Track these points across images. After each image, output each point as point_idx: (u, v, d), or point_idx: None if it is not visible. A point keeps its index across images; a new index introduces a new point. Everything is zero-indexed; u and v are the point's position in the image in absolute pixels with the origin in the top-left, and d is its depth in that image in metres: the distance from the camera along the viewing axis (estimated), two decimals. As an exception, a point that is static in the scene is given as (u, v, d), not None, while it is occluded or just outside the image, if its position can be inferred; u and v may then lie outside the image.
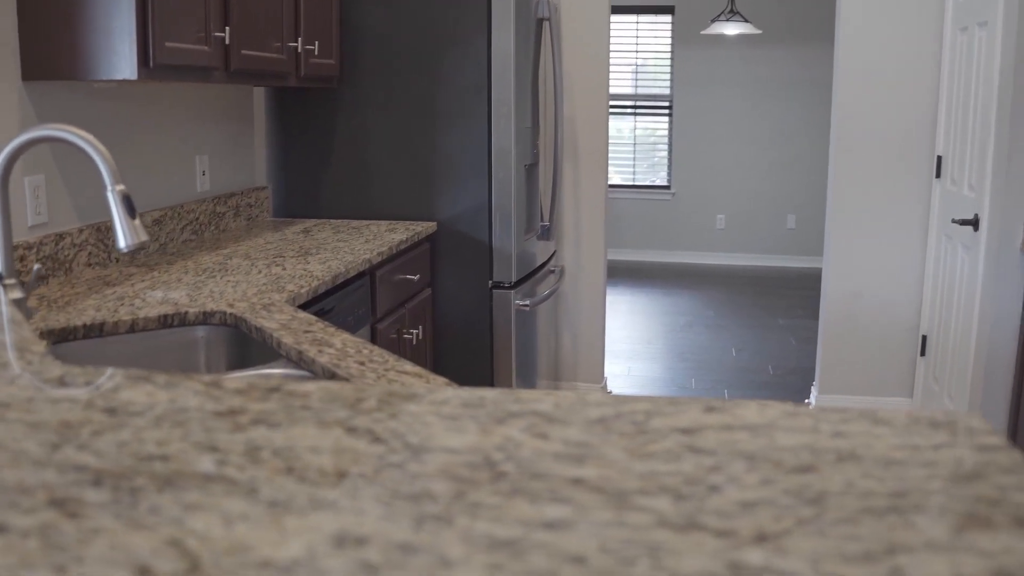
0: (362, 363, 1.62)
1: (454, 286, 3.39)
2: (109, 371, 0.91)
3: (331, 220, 3.40)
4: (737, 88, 7.67)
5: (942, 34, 3.61)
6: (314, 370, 1.67)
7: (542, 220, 3.72)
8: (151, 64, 2.15)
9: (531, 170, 3.55)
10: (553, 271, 3.95)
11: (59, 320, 1.89)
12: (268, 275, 2.37)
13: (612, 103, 8.01)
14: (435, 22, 3.29)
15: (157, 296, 2.12)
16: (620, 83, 7.99)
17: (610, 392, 4.37)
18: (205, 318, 2.01)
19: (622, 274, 7.41)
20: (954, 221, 3.28)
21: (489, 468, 0.69)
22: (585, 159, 4.01)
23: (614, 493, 0.65)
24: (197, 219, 2.96)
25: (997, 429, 3.08)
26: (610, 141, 8.02)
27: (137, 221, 1.42)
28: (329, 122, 3.42)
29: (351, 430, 0.76)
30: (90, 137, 1.41)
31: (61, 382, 0.89)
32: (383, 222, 3.35)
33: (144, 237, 1.42)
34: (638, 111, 8.01)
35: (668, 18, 7.80)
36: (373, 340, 2.79)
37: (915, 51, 3.67)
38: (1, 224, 1.44)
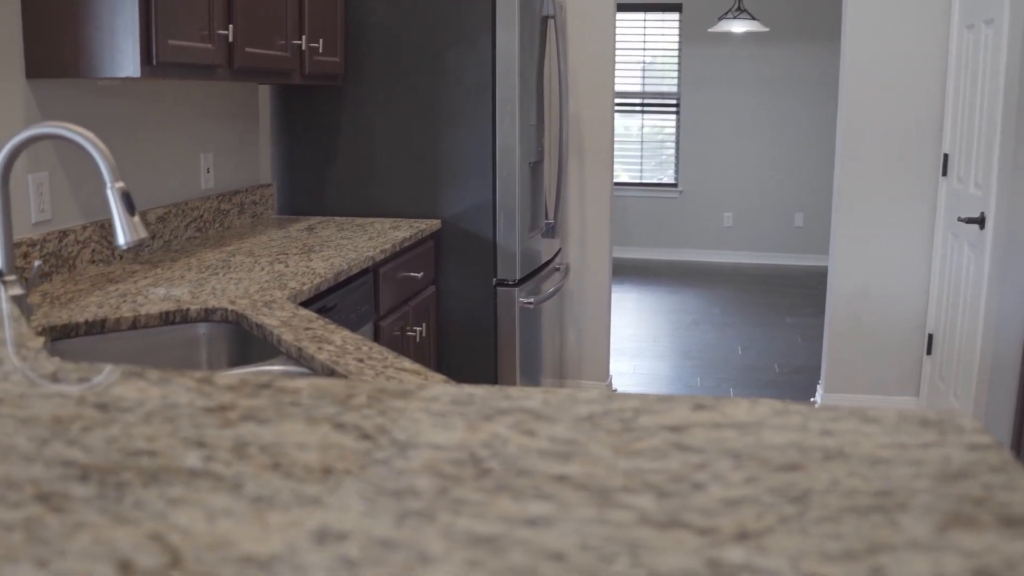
0: (361, 360, 1.63)
1: (458, 283, 3.39)
2: (102, 367, 0.91)
3: (335, 217, 3.40)
4: (744, 86, 7.65)
5: (948, 31, 3.60)
6: (313, 367, 1.67)
7: (547, 218, 3.72)
8: (154, 62, 2.16)
9: (536, 168, 3.55)
10: (558, 269, 3.95)
11: (61, 316, 1.90)
12: (271, 272, 2.38)
13: (620, 101, 8.00)
14: (440, 20, 3.29)
15: (159, 293, 2.13)
16: (628, 81, 7.98)
17: (615, 390, 4.37)
18: (207, 315, 2.02)
19: (629, 272, 7.40)
20: (960, 219, 3.27)
21: (474, 465, 0.69)
22: (591, 157, 4.01)
23: (598, 490, 0.65)
24: (201, 216, 2.97)
25: (1003, 427, 3.06)
26: (618, 139, 8.02)
27: (136, 218, 1.42)
28: (334, 120, 3.42)
29: (339, 426, 0.76)
30: (90, 134, 1.41)
31: (54, 378, 0.89)
32: (387, 219, 3.35)
33: (143, 234, 1.43)
34: (645, 109, 8.00)
35: (676, 16, 7.78)
36: (376, 337, 2.80)
37: (921, 48, 3.65)
38: (2, 221, 1.44)
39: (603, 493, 0.65)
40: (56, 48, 2.18)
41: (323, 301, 2.41)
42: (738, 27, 6.33)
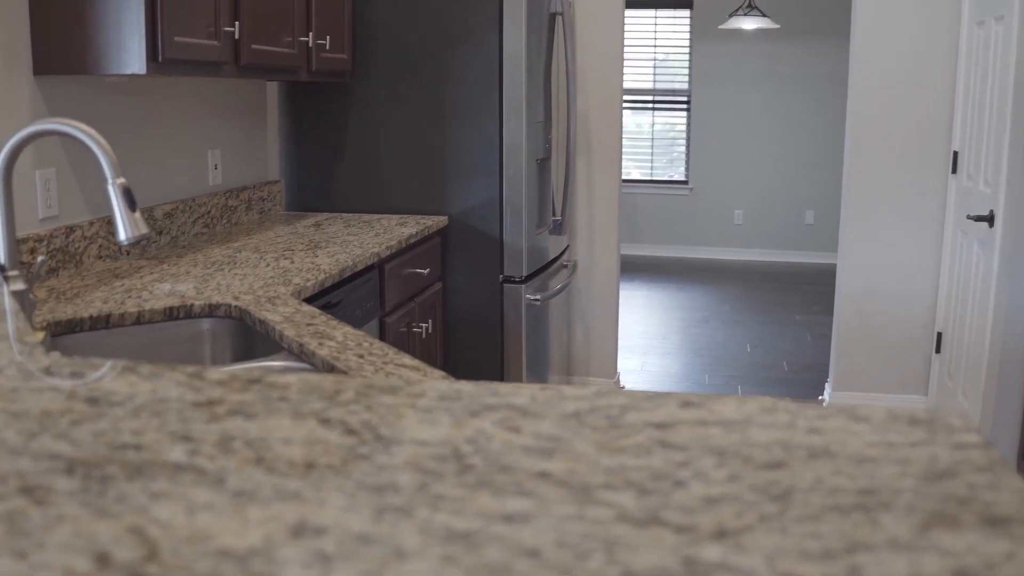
0: (361, 356, 1.63)
1: (465, 280, 3.40)
2: (97, 362, 0.92)
3: (343, 214, 3.41)
4: (755, 83, 7.63)
5: (959, 28, 3.58)
6: (314, 363, 1.68)
7: (554, 215, 3.72)
8: (160, 59, 2.17)
9: (543, 165, 3.55)
10: (566, 266, 3.95)
11: (66, 312, 1.91)
12: (276, 268, 2.39)
13: (631, 98, 7.99)
14: (447, 16, 3.29)
15: (164, 289, 2.14)
16: (639, 78, 7.96)
17: (622, 387, 4.37)
18: (210, 311, 2.03)
19: (639, 269, 7.39)
20: (969, 217, 3.25)
21: (457, 460, 0.69)
22: (599, 154, 4.00)
23: (578, 487, 0.65)
24: (209, 212, 2.98)
25: (1011, 426, 3.05)
26: (629, 136, 8.01)
27: (137, 214, 1.43)
28: (341, 117, 3.43)
29: (325, 422, 0.76)
30: (91, 130, 1.42)
31: (48, 372, 0.90)
32: (394, 216, 3.36)
33: (144, 230, 1.44)
34: (656, 106, 7.98)
35: (686, 12, 7.76)
36: (381, 333, 2.80)
37: (931, 45, 3.63)
38: (5, 217, 1.45)
39: (583, 490, 0.65)
40: (63, 45, 2.19)
41: (328, 297, 2.41)
42: (748, 24, 6.30)
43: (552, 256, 3.73)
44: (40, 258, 1.53)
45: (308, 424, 0.76)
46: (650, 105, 7.99)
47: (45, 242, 2.23)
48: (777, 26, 6.70)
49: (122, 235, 1.43)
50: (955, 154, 3.62)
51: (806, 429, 0.79)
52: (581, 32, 3.93)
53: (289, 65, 2.80)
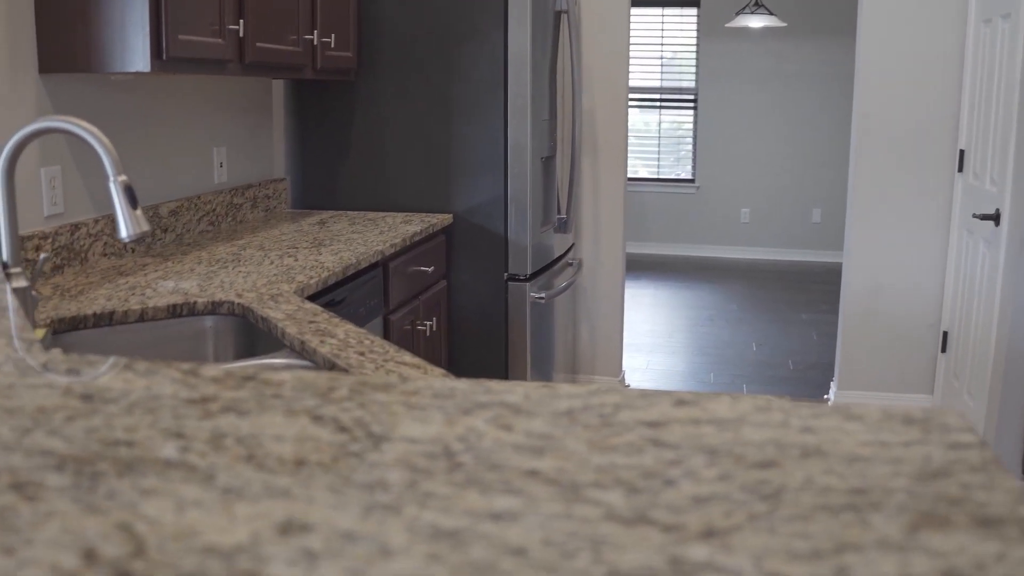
0: (362, 354, 1.64)
1: (469, 278, 3.40)
2: (93, 359, 0.92)
3: (348, 212, 3.42)
4: (762, 81, 7.61)
5: (965, 26, 3.56)
6: (315, 360, 1.68)
7: (559, 213, 3.72)
8: (164, 57, 2.17)
9: (548, 163, 3.55)
10: (571, 264, 3.95)
11: (70, 309, 1.92)
12: (280, 266, 2.39)
13: (639, 96, 7.98)
14: (452, 14, 3.29)
15: (168, 286, 2.15)
16: (646, 76, 7.95)
17: (627, 386, 4.36)
18: (214, 308, 2.03)
19: (646, 267, 7.38)
20: (975, 216, 3.23)
21: (447, 458, 0.69)
22: (604, 152, 4.00)
23: (568, 485, 0.65)
24: (214, 210, 2.99)
25: (1017, 425, 3.03)
26: (637, 134, 8.00)
27: (139, 211, 1.44)
28: (347, 115, 3.43)
29: (317, 419, 0.76)
30: (93, 128, 1.42)
31: (44, 369, 0.90)
32: (399, 214, 3.36)
33: (145, 227, 1.44)
34: (663, 104, 7.97)
35: (693, 11, 7.74)
36: (385, 331, 2.81)
37: (938, 43, 3.61)
38: (7, 214, 1.46)
39: (573, 488, 0.65)
40: (68, 43, 2.20)
41: (331, 295, 2.42)
42: (755, 22, 6.29)
43: (557, 254, 3.73)
44: (43, 255, 1.53)
45: (300, 421, 0.76)
46: (657, 103, 7.98)
47: (50, 239, 2.24)
48: (784, 24, 6.68)
49: (123, 232, 1.44)
50: (961, 152, 3.61)
51: (799, 428, 0.79)
52: (587, 30, 3.93)
53: (294, 63, 2.81)
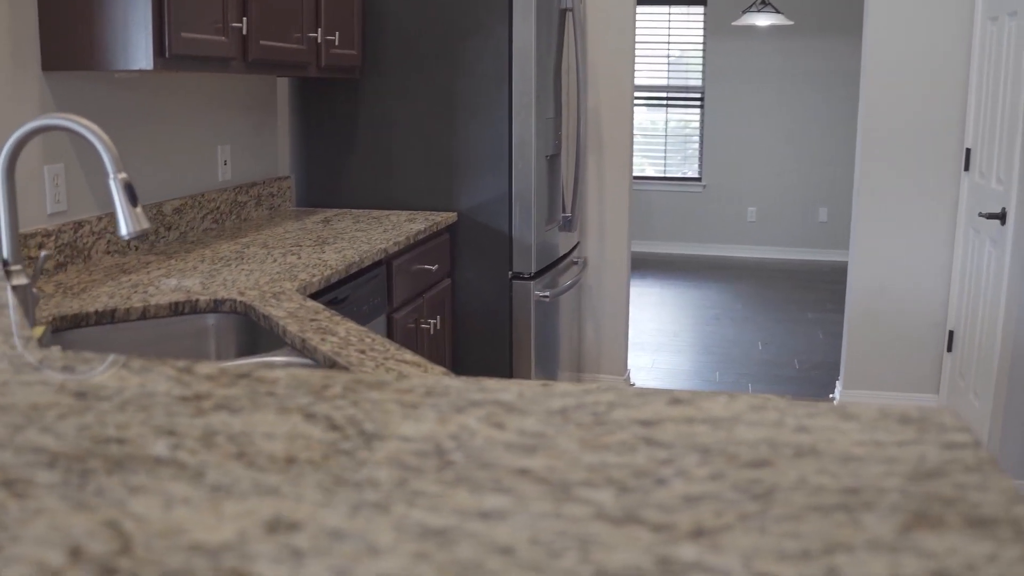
0: (363, 352, 1.63)
1: (474, 276, 3.40)
2: (87, 356, 0.92)
3: (352, 210, 3.42)
4: (769, 80, 7.59)
5: (971, 24, 3.54)
6: (316, 358, 1.68)
7: (564, 211, 3.72)
8: (167, 54, 2.18)
9: (553, 161, 3.54)
10: (576, 262, 3.94)
11: (72, 306, 1.93)
12: (283, 264, 2.39)
13: (646, 95, 7.96)
14: (456, 12, 3.29)
15: (171, 284, 2.15)
16: (653, 75, 7.94)
17: (632, 384, 4.36)
18: (215, 306, 2.03)
19: (652, 266, 7.37)
20: (981, 215, 3.22)
21: (438, 457, 0.69)
22: (610, 150, 3.99)
23: (558, 484, 0.65)
24: (218, 208, 2.99)
25: (1023, 424, 3.02)
26: (643, 133, 7.99)
27: (139, 209, 1.44)
28: (351, 113, 3.44)
29: (309, 416, 0.76)
30: (93, 126, 1.43)
31: (39, 366, 0.90)
32: (403, 212, 3.36)
33: (146, 225, 1.44)
34: (670, 103, 7.96)
35: (700, 9, 7.73)
36: (389, 329, 2.81)
37: (944, 42, 3.60)
38: (8, 211, 1.46)
39: (563, 487, 0.65)
40: (71, 41, 2.20)
41: (334, 293, 2.42)
42: (762, 20, 6.27)
43: (562, 253, 3.72)
44: (43, 253, 1.54)
45: (292, 419, 0.76)
46: (664, 102, 7.96)
47: (53, 237, 2.25)
48: (791, 23, 6.67)
49: (123, 230, 1.44)
50: (967, 151, 3.59)
51: (794, 427, 0.78)
52: (592, 28, 3.92)
53: (298, 61, 2.81)
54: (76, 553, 0.54)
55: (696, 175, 7.96)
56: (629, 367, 4.34)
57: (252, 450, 0.70)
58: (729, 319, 5.77)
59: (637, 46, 7.84)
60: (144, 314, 1.96)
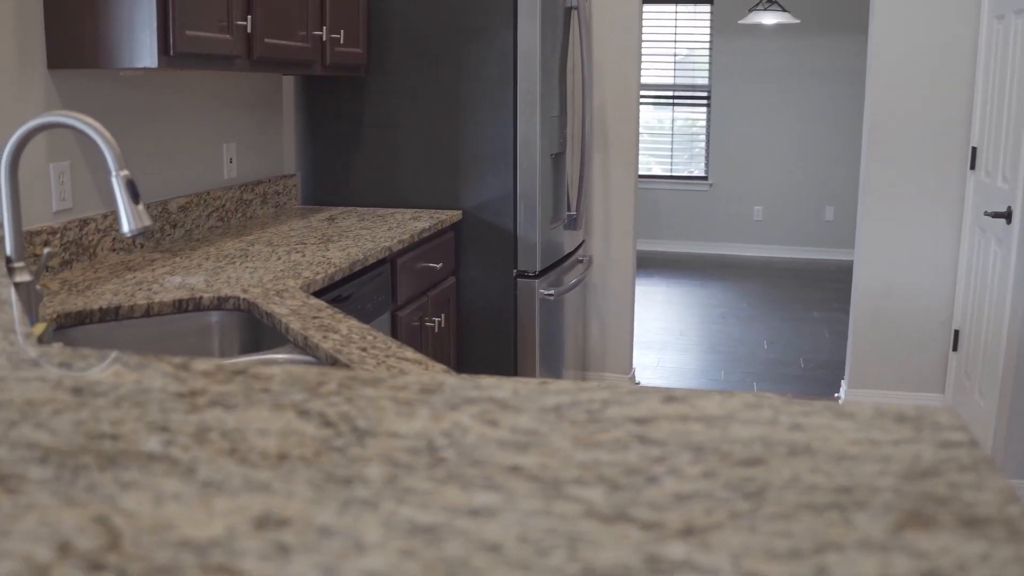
0: (364, 349, 1.64)
1: (478, 275, 3.40)
2: (85, 352, 0.93)
3: (358, 208, 3.42)
4: (775, 78, 7.57)
5: (978, 22, 3.53)
6: (318, 355, 1.68)
7: (569, 209, 3.71)
8: (171, 52, 2.18)
9: (558, 159, 3.54)
10: (581, 261, 3.94)
11: (76, 304, 1.93)
12: (287, 262, 2.40)
13: (652, 93, 7.95)
14: (461, 10, 3.28)
15: (175, 281, 2.15)
16: (660, 73, 7.92)
17: (638, 383, 4.35)
18: (219, 303, 2.04)
19: (658, 265, 7.36)
20: (987, 213, 3.20)
21: (430, 454, 0.69)
22: (615, 149, 3.99)
23: (549, 482, 0.65)
24: (223, 206, 3.00)
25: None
26: (650, 131, 7.97)
27: (141, 206, 1.44)
28: (357, 111, 3.44)
29: (303, 413, 0.76)
30: (95, 123, 1.43)
31: (37, 363, 0.91)
32: (408, 210, 3.36)
33: (147, 222, 1.44)
34: (676, 102, 7.94)
35: (707, 8, 7.71)
36: (393, 327, 2.81)
37: (950, 40, 3.58)
38: (11, 208, 1.47)
39: (554, 485, 0.64)
40: (76, 39, 2.21)
41: (338, 291, 2.42)
42: (769, 19, 6.25)
43: (567, 251, 3.72)
44: (47, 250, 1.54)
45: (286, 416, 0.76)
46: (670, 100, 7.95)
47: (59, 235, 2.25)
48: (797, 21, 6.64)
49: (125, 227, 1.44)
50: (973, 150, 3.58)
51: (789, 426, 0.78)
52: (598, 26, 3.92)
53: (303, 59, 2.81)
54: (64, 548, 0.54)
55: (703, 174, 7.94)
56: (634, 366, 4.34)
57: (244, 446, 0.70)
58: (735, 318, 5.76)
59: (644, 45, 7.83)
60: (148, 312, 1.97)
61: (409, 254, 2.91)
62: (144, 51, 2.16)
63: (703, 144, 7.93)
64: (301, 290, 2.11)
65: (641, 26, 3.91)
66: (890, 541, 0.60)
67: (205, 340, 2.05)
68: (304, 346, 1.73)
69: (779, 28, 7.43)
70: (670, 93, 7.94)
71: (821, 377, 4.58)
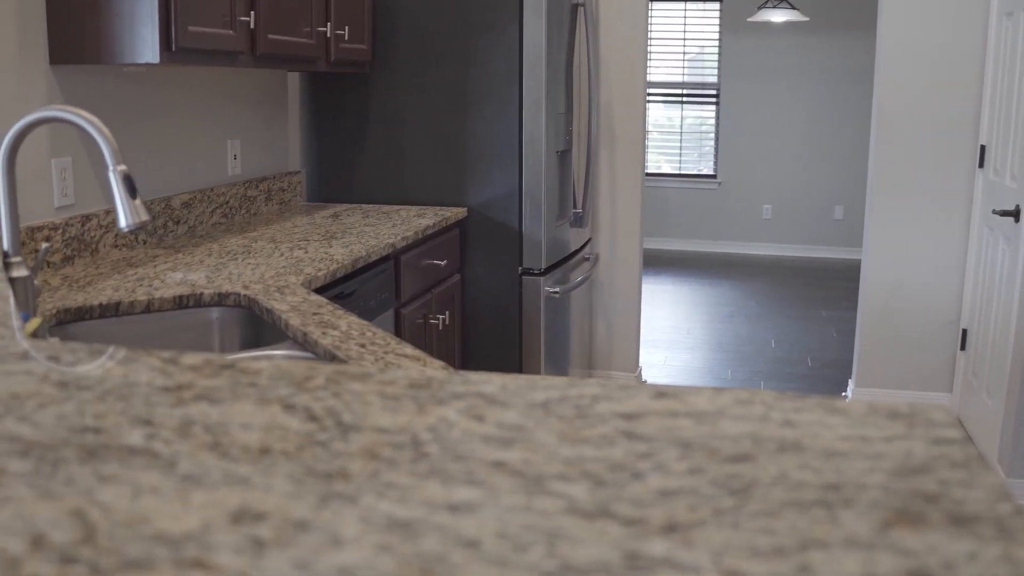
0: (363, 345, 1.63)
1: (484, 272, 3.39)
2: (74, 346, 0.92)
3: (362, 205, 3.42)
4: (784, 76, 7.53)
5: (987, 20, 3.50)
6: (317, 352, 1.68)
7: (575, 207, 3.70)
8: (173, 48, 2.18)
9: (564, 156, 3.53)
10: (587, 258, 3.93)
11: (76, 299, 1.93)
12: (289, 258, 2.39)
13: (661, 91, 7.93)
14: (467, 7, 3.28)
15: (176, 277, 2.15)
16: (669, 71, 7.90)
17: (644, 381, 4.34)
18: (220, 299, 2.03)
19: (667, 263, 7.34)
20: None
21: (413, 448, 0.68)
22: (622, 146, 3.97)
23: (532, 478, 0.64)
24: (227, 203, 3.00)
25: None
26: (659, 129, 7.95)
27: (138, 201, 1.44)
28: (362, 107, 3.43)
29: (289, 407, 0.76)
30: (92, 118, 1.43)
31: (24, 356, 0.90)
32: (413, 207, 3.36)
33: (145, 217, 1.44)
34: (685, 100, 7.92)
35: (716, 6, 7.68)
36: (397, 324, 2.80)
37: (959, 38, 3.56)
38: (8, 203, 1.47)
39: (537, 480, 0.64)
40: (78, 34, 2.21)
41: (341, 287, 2.42)
42: (778, 17, 6.23)
43: (573, 248, 3.71)
44: (44, 245, 1.54)
45: (271, 410, 0.75)
46: (679, 99, 7.93)
47: (60, 231, 2.26)
48: (807, 19, 6.61)
49: (122, 222, 1.44)
50: (982, 148, 3.55)
51: (780, 422, 0.77)
52: (605, 23, 3.90)
53: (307, 55, 2.81)
54: (38, 541, 0.54)
55: (712, 172, 7.92)
56: (641, 364, 4.32)
57: (227, 440, 0.69)
58: (743, 316, 5.74)
59: (653, 43, 7.80)
60: (148, 307, 1.97)
61: (413, 251, 2.90)
62: (145, 46, 2.16)
63: (712, 142, 7.90)
64: (303, 287, 2.10)
65: (648, 23, 3.90)
66: (876, 539, 0.59)
67: (205, 336, 2.05)
68: (303, 342, 1.73)
69: (788, 26, 7.40)
70: (679, 91, 7.92)
71: (828, 376, 4.56)
